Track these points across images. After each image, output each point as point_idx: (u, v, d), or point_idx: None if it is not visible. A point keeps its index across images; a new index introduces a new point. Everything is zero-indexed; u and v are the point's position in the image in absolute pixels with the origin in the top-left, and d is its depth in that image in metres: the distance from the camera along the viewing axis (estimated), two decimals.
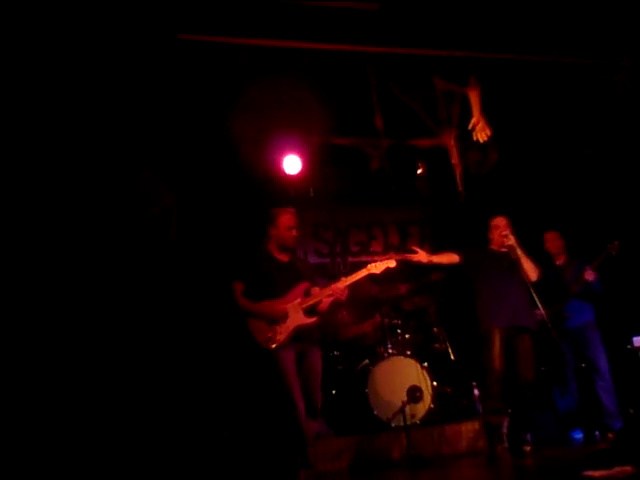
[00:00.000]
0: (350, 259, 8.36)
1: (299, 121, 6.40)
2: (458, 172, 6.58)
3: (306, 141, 6.95)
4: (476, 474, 5.08)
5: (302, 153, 7.04)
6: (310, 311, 4.97)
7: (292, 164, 7.05)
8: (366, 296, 7.05)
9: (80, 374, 5.33)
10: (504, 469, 5.06)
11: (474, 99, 6.01)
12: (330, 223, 8.46)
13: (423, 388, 6.15)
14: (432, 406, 6.16)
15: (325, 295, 4.99)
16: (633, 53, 5.75)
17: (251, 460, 5.46)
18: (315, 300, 4.98)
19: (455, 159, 6.53)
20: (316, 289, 5.04)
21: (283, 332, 4.81)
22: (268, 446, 5.42)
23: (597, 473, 3.77)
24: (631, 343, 6.40)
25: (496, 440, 5.31)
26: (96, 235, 5.76)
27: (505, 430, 5.45)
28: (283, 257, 5.14)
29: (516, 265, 5.37)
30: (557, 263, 6.44)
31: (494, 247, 5.71)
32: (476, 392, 6.55)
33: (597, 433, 5.96)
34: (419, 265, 5.66)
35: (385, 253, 8.44)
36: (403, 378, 6.18)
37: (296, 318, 4.87)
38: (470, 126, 6.10)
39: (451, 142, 6.41)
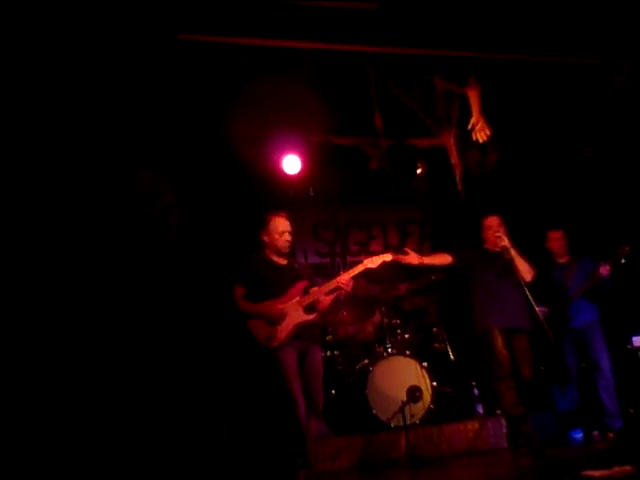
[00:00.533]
0: (350, 259, 8.34)
1: (299, 121, 6.41)
2: (458, 172, 6.58)
3: (306, 141, 6.95)
4: (476, 474, 5.07)
5: (302, 153, 7.04)
6: (310, 308, 4.97)
7: (292, 164, 7.05)
8: (366, 296, 7.06)
9: (79, 374, 5.33)
10: (503, 468, 5.07)
11: (474, 99, 6.01)
12: (330, 223, 8.46)
13: (423, 388, 6.15)
14: (432, 406, 6.16)
15: (327, 290, 4.99)
16: (632, 54, 5.74)
17: (251, 460, 5.46)
18: (314, 297, 4.98)
19: (455, 159, 6.53)
20: (315, 288, 5.04)
21: (283, 330, 4.81)
22: (268, 446, 5.42)
23: (597, 473, 3.78)
24: (631, 343, 6.41)
25: (519, 433, 5.30)
26: (96, 234, 5.76)
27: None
28: (280, 260, 5.14)
29: (510, 265, 5.37)
30: (560, 261, 6.42)
31: (488, 247, 5.72)
32: (476, 392, 6.55)
33: (596, 433, 5.96)
34: (413, 267, 5.64)
35: (385, 252, 8.42)
36: (403, 378, 6.18)
37: (296, 316, 4.88)
38: (470, 126, 6.11)
39: (451, 142, 6.41)
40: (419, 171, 7.73)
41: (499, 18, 5.44)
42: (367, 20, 5.31)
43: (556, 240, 6.42)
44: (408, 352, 6.50)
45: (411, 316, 7.08)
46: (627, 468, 3.79)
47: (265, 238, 5.11)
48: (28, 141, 5.35)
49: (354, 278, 5.03)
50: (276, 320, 4.83)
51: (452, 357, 6.81)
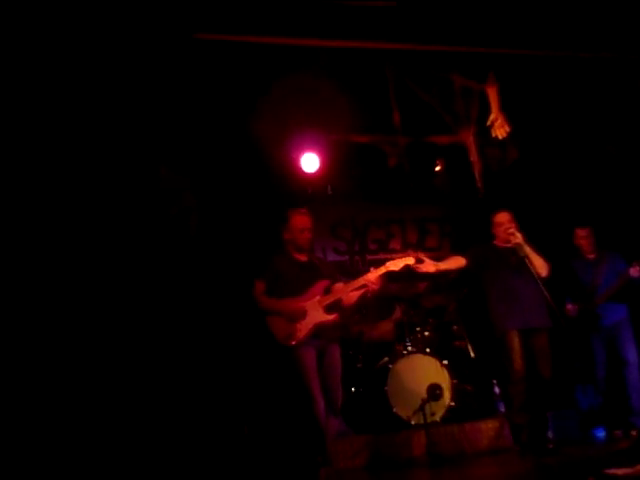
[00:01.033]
0: (369, 257, 8.33)
1: (317, 119, 6.41)
2: (477, 169, 6.55)
3: (324, 139, 6.95)
4: (497, 472, 5.04)
5: (320, 151, 7.04)
6: (330, 308, 4.96)
7: (310, 162, 7.04)
8: (386, 294, 7.04)
9: (95, 373, 5.36)
10: (526, 467, 5.03)
11: (493, 95, 5.97)
12: (348, 221, 8.44)
13: (443, 386, 6.12)
14: (452, 404, 6.14)
15: (353, 288, 4.98)
16: None
17: (271, 458, 5.47)
18: (337, 296, 4.97)
19: (474, 156, 6.49)
20: (339, 285, 5.03)
21: (303, 329, 4.81)
22: (288, 444, 5.42)
23: (620, 471, 3.74)
24: None
25: (524, 438, 5.29)
26: (114, 234, 5.79)
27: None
28: (302, 257, 5.14)
29: (524, 262, 5.30)
30: (588, 257, 6.36)
31: (498, 243, 5.66)
32: (497, 390, 6.51)
33: (619, 431, 5.91)
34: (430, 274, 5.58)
35: (403, 251, 8.40)
36: (423, 376, 6.16)
37: (316, 315, 4.88)
38: (489, 123, 6.07)
39: (470, 139, 6.37)
40: (438, 168, 7.70)
41: (518, 14, 5.40)
42: (385, 17, 5.30)
43: (584, 238, 6.35)
44: (428, 350, 6.48)
45: (431, 314, 7.05)
46: None
47: (286, 235, 5.13)
48: (50, 140, 5.39)
49: (382, 277, 5.03)
50: (296, 318, 4.83)
51: (472, 355, 6.77)
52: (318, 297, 4.94)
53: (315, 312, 4.88)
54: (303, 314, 4.85)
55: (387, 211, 8.58)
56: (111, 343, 5.52)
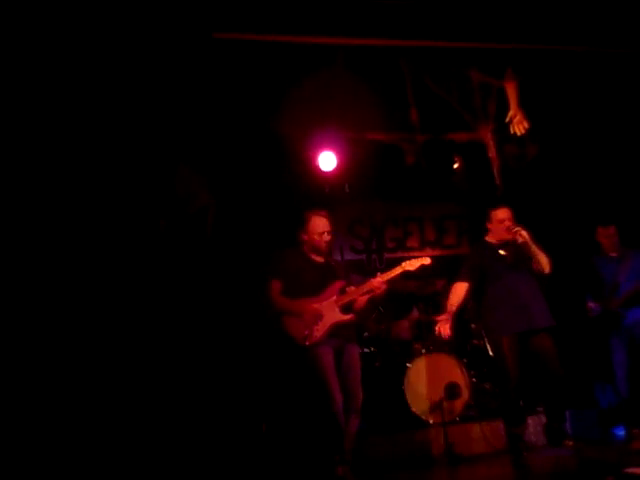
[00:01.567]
0: (386, 255, 8.31)
1: (334, 117, 6.40)
2: (495, 166, 6.51)
3: (341, 137, 6.93)
4: (516, 471, 5.01)
5: (337, 149, 7.02)
6: (346, 308, 4.96)
7: (327, 161, 7.03)
8: (403, 293, 7.02)
9: (113, 370, 5.40)
10: (544, 466, 5.00)
11: (511, 92, 5.94)
12: (366, 219, 8.42)
13: (461, 384, 6.10)
14: (471, 403, 6.11)
15: (362, 292, 4.97)
16: None
17: (289, 456, 5.46)
18: (350, 297, 4.96)
19: (492, 153, 6.46)
20: (352, 288, 5.02)
21: (320, 329, 4.80)
22: (306, 442, 5.42)
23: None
24: None
25: (522, 448, 5.12)
26: (131, 233, 5.81)
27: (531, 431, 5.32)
28: (318, 258, 5.13)
29: (523, 259, 5.20)
30: (611, 255, 6.27)
31: (493, 240, 5.46)
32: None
33: (639, 430, 5.85)
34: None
35: (421, 249, 8.39)
36: (441, 374, 6.14)
37: (332, 316, 4.86)
38: (507, 119, 6.03)
39: (488, 136, 6.34)
40: (456, 166, 7.66)
41: (536, 8, 5.36)
42: (403, 14, 5.28)
43: (608, 237, 6.17)
44: (446, 348, 6.45)
45: None
46: None
47: (304, 237, 5.09)
48: (72, 138, 5.43)
49: (391, 280, 5.00)
50: (312, 318, 4.82)
51: (491, 353, 6.72)
52: (334, 297, 4.92)
53: (331, 312, 4.87)
54: (320, 314, 4.84)
55: (405, 209, 8.56)
56: (129, 343, 5.55)
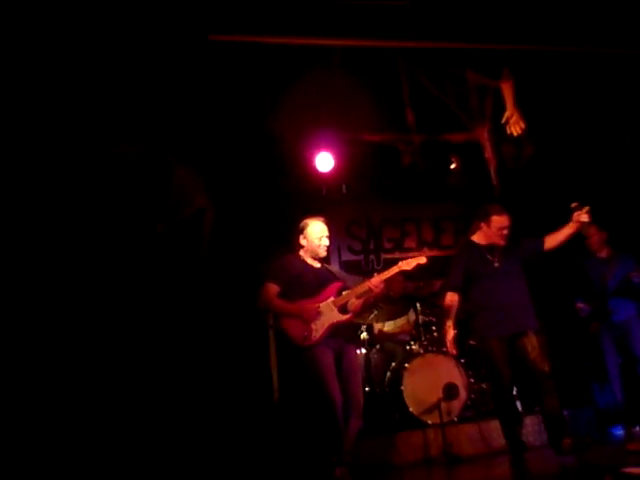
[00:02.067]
0: (384, 256, 8.33)
1: (331, 118, 6.40)
2: (492, 166, 6.51)
3: (338, 138, 6.94)
4: (514, 471, 5.00)
5: (334, 150, 7.02)
6: (344, 309, 4.96)
7: (324, 161, 7.04)
8: (402, 293, 7.02)
9: (115, 371, 5.41)
10: (542, 466, 5.00)
11: (507, 92, 5.94)
12: (363, 220, 8.43)
13: (459, 385, 6.10)
14: (469, 403, 6.11)
15: (359, 292, 4.98)
16: None
17: (288, 456, 5.46)
18: (348, 298, 4.97)
19: (489, 153, 6.46)
20: (347, 292, 5.03)
21: (319, 330, 4.80)
22: (305, 443, 5.42)
23: (638, 470, 3.71)
24: None
25: (520, 448, 5.05)
26: (127, 235, 5.81)
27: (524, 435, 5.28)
28: (315, 263, 5.15)
29: (509, 262, 5.12)
30: (599, 256, 6.30)
31: (481, 241, 5.33)
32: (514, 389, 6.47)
33: (638, 429, 5.87)
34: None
35: (419, 249, 8.40)
36: (439, 375, 6.14)
37: (331, 316, 4.86)
38: (504, 119, 6.03)
39: (485, 136, 6.34)
40: (453, 166, 7.67)
41: (532, 9, 5.37)
42: (399, 15, 5.29)
43: (591, 236, 6.25)
44: (444, 349, 6.45)
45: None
46: None
47: (303, 241, 5.11)
48: (66, 140, 5.43)
49: (387, 280, 5.00)
50: (311, 319, 4.82)
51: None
52: (332, 298, 4.93)
53: (330, 312, 4.87)
54: (318, 315, 4.84)
55: (402, 210, 8.57)
56: (129, 344, 5.57)
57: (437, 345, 6.56)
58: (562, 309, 6.48)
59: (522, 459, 4.94)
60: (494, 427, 5.78)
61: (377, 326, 7.16)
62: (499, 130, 6.17)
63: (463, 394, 6.10)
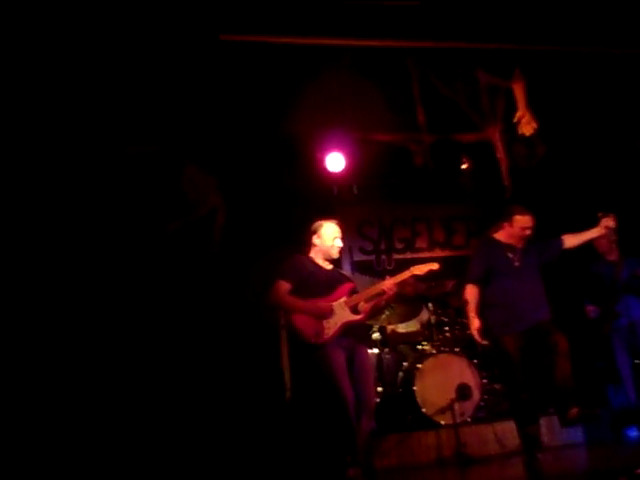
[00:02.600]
0: (395, 256, 8.31)
1: (342, 119, 6.40)
2: (504, 166, 6.49)
3: (349, 138, 6.94)
4: (528, 472, 4.99)
5: (345, 150, 7.02)
6: (356, 310, 4.96)
7: (335, 162, 7.04)
8: (414, 293, 7.02)
9: (134, 371, 5.45)
10: (557, 467, 4.99)
11: (519, 92, 5.92)
12: (374, 220, 8.43)
13: (472, 385, 6.09)
14: (482, 403, 6.10)
15: (372, 294, 4.98)
16: None
17: (300, 457, 5.47)
18: (361, 299, 4.97)
19: (500, 153, 6.43)
20: (360, 292, 5.05)
21: (331, 328, 4.80)
22: (318, 443, 5.42)
23: None
24: None
25: (536, 448, 4.96)
26: (141, 235, 5.84)
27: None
28: (327, 264, 5.16)
29: (530, 259, 5.13)
30: (608, 258, 6.28)
31: (502, 239, 5.28)
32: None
33: None
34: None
35: (430, 249, 8.39)
36: (452, 375, 6.14)
37: (343, 315, 4.86)
38: (515, 119, 6.02)
39: (496, 136, 6.31)
40: (464, 166, 7.65)
41: (543, 9, 5.35)
42: (409, 15, 5.28)
43: (600, 238, 6.21)
44: (457, 349, 6.45)
45: (459, 313, 7.00)
46: None
47: (317, 241, 5.12)
48: (80, 140, 5.46)
49: (401, 283, 5.01)
50: (324, 316, 4.82)
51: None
52: (344, 298, 4.93)
53: (342, 312, 4.87)
54: (331, 313, 4.84)
55: (413, 210, 8.56)
56: (141, 344, 5.59)
57: (449, 345, 6.55)
58: (572, 311, 6.45)
59: (536, 459, 4.90)
60: (507, 428, 5.78)
61: (389, 326, 7.15)
62: (510, 130, 6.14)
63: (476, 395, 6.08)
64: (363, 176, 7.63)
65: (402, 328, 7.29)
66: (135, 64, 5.30)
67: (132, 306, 5.65)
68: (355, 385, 4.76)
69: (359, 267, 8.07)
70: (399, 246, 8.41)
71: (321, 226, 5.14)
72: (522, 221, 5.21)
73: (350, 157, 7.06)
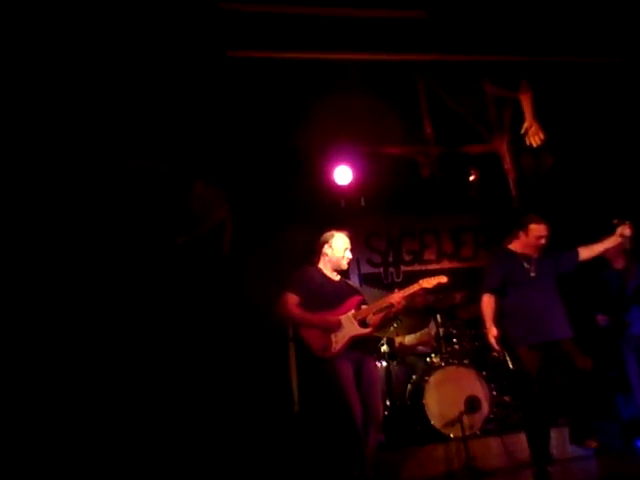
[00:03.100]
0: (403, 268, 8.29)
1: (349, 132, 6.42)
2: (511, 177, 6.49)
3: (357, 151, 6.95)
4: None
5: (352, 163, 7.04)
6: (364, 323, 4.96)
7: (343, 174, 7.06)
8: (421, 305, 7.00)
9: (141, 381, 5.47)
10: (566, 479, 4.96)
11: (526, 103, 5.94)
12: (382, 232, 8.41)
13: (481, 397, 6.05)
14: (491, 416, 6.07)
15: (380, 307, 4.98)
16: None
17: (308, 470, 5.45)
18: (369, 312, 4.97)
19: (508, 164, 6.45)
20: (366, 307, 5.05)
21: (339, 342, 4.80)
22: (325, 456, 5.41)
23: None
24: None
25: (545, 460, 4.97)
26: (149, 249, 5.86)
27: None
28: (335, 276, 5.16)
29: (546, 269, 5.13)
30: (616, 267, 6.26)
31: (517, 249, 5.30)
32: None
33: None
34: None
35: (438, 261, 8.37)
36: (460, 387, 6.10)
37: (351, 328, 4.86)
38: (523, 131, 6.03)
39: (503, 147, 6.33)
40: (472, 178, 7.66)
41: (549, 20, 5.37)
42: (416, 29, 5.31)
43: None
44: (465, 361, 6.42)
45: (467, 325, 6.99)
46: None
47: (328, 250, 5.12)
48: (89, 154, 5.50)
49: (409, 296, 5.01)
50: (332, 330, 4.82)
51: (511, 366, 6.68)
52: (352, 311, 4.93)
53: (350, 325, 4.87)
54: (339, 326, 4.84)
55: (421, 222, 8.54)
56: (150, 356, 5.62)
57: (458, 358, 6.52)
58: (582, 321, 6.42)
59: (546, 472, 4.88)
60: (517, 440, 5.74)
61: (397, 339, 7.13)
62: (518, 141, 6.16)
63: (485, 407, 6.05)
64: (371, 188, 7.64)
65: (410, 340, 7.26)
66: (146, 80, 5.35)
67: (142, 318, 5.67)
68: (363, 398, 4.76)
69: (367, 279, 8.05)
70: (407, 258, 8.39)
71: (333, 236, 5.14)
72: (537, 230, 5.23)
73: (358, 170, 7.08)
